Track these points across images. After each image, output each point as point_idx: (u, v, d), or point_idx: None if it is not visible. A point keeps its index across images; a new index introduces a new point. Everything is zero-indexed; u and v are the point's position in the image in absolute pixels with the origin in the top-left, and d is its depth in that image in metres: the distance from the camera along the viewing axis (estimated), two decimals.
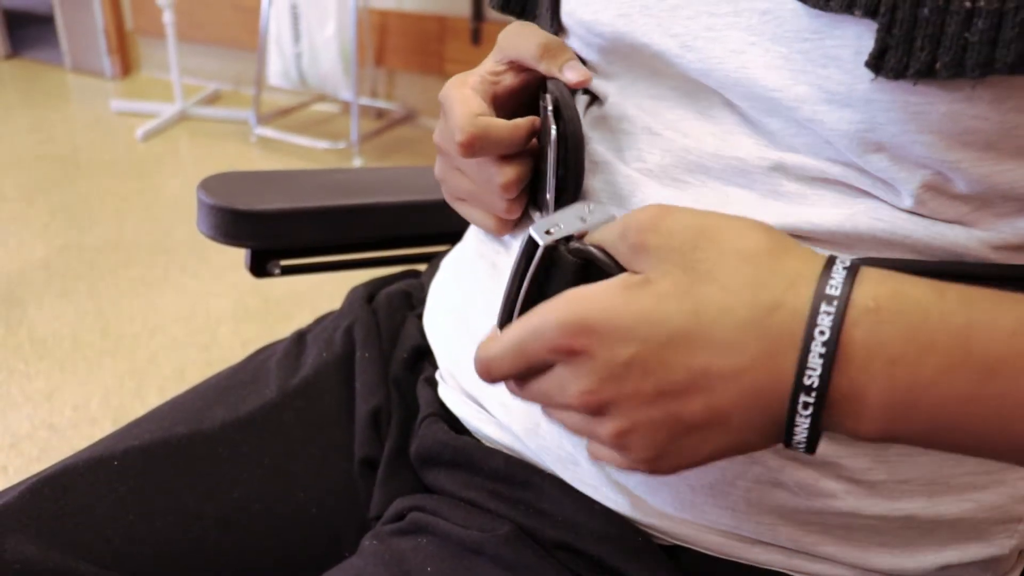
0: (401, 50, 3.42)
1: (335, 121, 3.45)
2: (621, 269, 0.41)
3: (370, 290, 0.73)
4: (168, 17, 3.21)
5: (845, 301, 0.35)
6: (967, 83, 0.38)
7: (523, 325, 0.40)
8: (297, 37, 3.04)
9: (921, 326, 0.35)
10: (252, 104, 3.22)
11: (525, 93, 0.55)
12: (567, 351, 0.38)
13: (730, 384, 0.36)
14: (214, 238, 0.76)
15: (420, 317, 0.69)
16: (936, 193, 0.42)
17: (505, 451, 0.55)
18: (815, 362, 0.35)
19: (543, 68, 0.52)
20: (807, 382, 0.35)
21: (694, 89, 0.48)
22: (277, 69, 3.11)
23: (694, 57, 0.47)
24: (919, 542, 0.48)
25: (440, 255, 0.81)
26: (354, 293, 0.72)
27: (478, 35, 3.25)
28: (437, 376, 0.62)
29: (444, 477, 0.57)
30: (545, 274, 0.43)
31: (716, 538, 0.49)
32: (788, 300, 0.36)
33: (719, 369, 0.36)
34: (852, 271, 0.36)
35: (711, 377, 0.36)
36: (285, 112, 3.43)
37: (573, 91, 0.53)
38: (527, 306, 0.43)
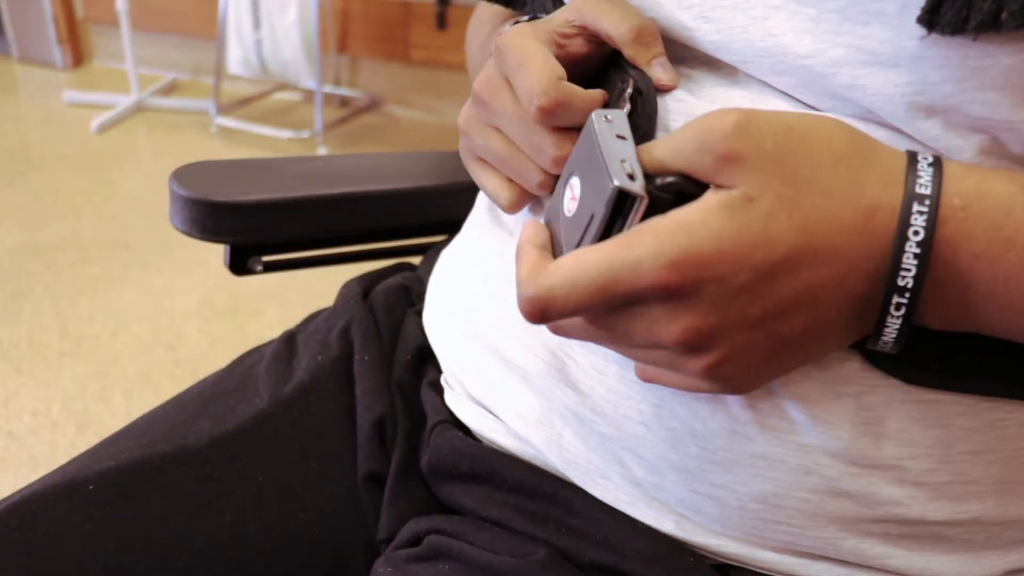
0: (364, 36, 3.36)
1: (298, 110, 3.37)
2: (705, 187, 0.36)
3: (364, 285, 0.67)
4: (121, 4, 3.10)
5: (936, 200, 0.34)
6: None
7: (609, 257, 0.35)
8: (257, 24, 2.95)
9: (1003, 222, 0.35)
10: (212, 94, 3.13)
11: (587, 63, 0.48)
12: (673, 288, 0.34)
13: (832, 294, 0.35)
14: (190, 233, 0.69)
15: (420, 314, 0.63)
16: (988, 156, 0.38)
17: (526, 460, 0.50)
18: (910, 262, 0.34)
19: (629, 53, 0.45)
20: (901, 283, 0.34)
21: (706, 68, 0.45)
22: (237, 57, 3.02)
23: (711, 28, 0.43)
24: (985, 545, 0.44)
25: (436, 247, 0.76)
26: (348, 289, 0.66)
27: (443, 19, 3.19)
28: (442, 381, 0.57)
29: (461, 492, 0.51)
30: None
31: (771, 555, 0.44)
32: (885, 200, 0.35)
33: (824, 281, 0.35)
34: (937, 167, 0.35)
35: (815, 290, 0.35)
36: (246, 101, 3.34)
37: None
38: None
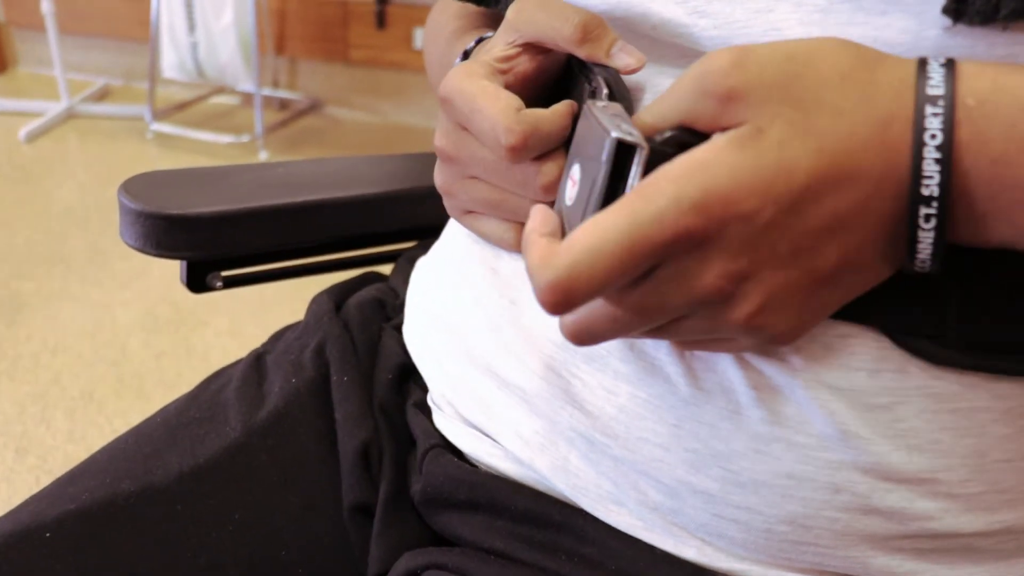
0: (302, 37, 3.30)
1: (236, 114, 3.29)
2: (706, 138, 0.34)
3: (335, 299, 0.63)
4: (47, 7, 2.99)
5: (951, 100, 0.32)
6: None
7: (629, 215, 0.32)
8: (192, 26, 2.88)
9: (1019, 119, 0.32)
10: (146, 99, 3.03)
11: (542, 76, 0.45)
12: (697, 234, 0.32)
13: (860, 217, 0.33)
14: (143, 250, 0.65)
15: (398, 329, 0.59)
16: None
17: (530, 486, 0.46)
18: (931, 169, 0.32)
19: (584, 53, 0.42)
20: (925, 192, 0.32)
21: None
22: (172, 61, 2.94)
23: (709, 24, 0.40)
24: (1015, 554, 0.42)
25: (406, 254, 0.72)
26: (318, 305, 0.62)
27: (383, 19, 3.15)
28: (429, 402, 0.53)
29: (459, 522, 0.48)
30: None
31: None
32: (898, 110, 0.32)
33: (849, 205, 0.33)
34: (950, 67, 0.32)
35: (842, 215, 0.33)
36: (182, 106, 3.25)
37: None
38: None
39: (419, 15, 3.09)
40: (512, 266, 0.48)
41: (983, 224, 0.33)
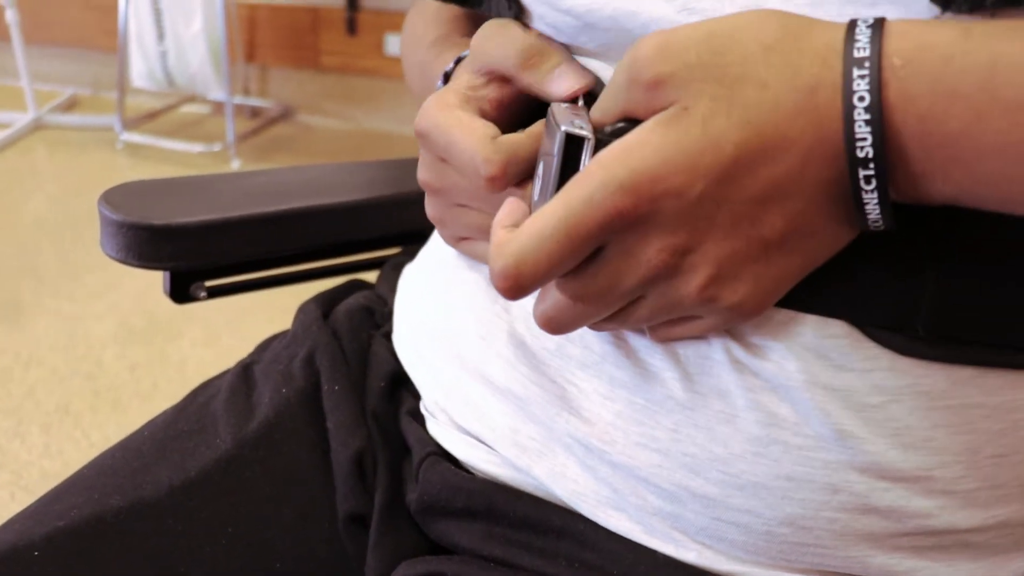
0: (273, 44, 3.28)
1: (207, 123, 3.26)
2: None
3: (323, 307, 0.62)
4: (11, 17, 2.95)
5: (878, 61, 0.32)
6: None
7: (561, 202, 0.34)
8: (161, 35, 2.85)
9: (943, 74, 0.31)
10: (116, 109, 3.00)
11: (520, 100, 0.45)
12: (629, 213, 0.33)
13: (798, 185, 0.33)
14: (125, 261, 0.64)
15: (388, 336, 0.59)
16: None
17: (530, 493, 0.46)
18: (863, 131, 0.32)
19: (526, 82, 0.43)
20: (860, 154, 0.32)
21: None
22: (141, 70, 2.91)
23: (698, 19, 0.39)
24: (1010, 549, 0.42)
25: (391, 261, 0.72)
26: (306, 314, 0.61)
27: (354, 25, 3.14)
28: (423, 409, 0.53)
29: (457, 530, 0.47)
30: None
31: None
32: (825, 76, 0.32)
33: (784, 171, 0.33)
34: (877, 28, 0.32)
35: (778, 182, 0.33)
36: (152, 116, 3.21)
37: None
38: None
39: (390, 21, 3.08)
40: None
41: (923, 181, 0.33)
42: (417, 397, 0.54)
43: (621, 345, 0.43)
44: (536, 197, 0.40)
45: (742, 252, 0.35)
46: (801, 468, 0.39)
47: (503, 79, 0.45)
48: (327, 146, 3.14)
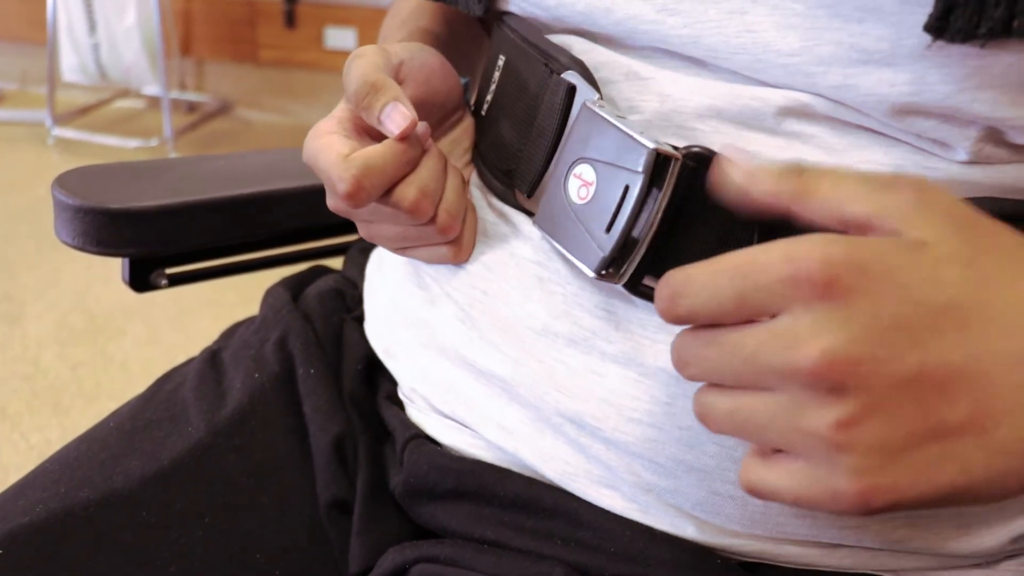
0: (209, 38, 3.21)
1: (142, 117, 3.18)
2: None
3: (291, 291, 0.60)
4: None
5: None
6: None
7: (757, 249, 0.30)
8: (92, 27, 2.77)
9: None
10: (46, 103, 2.90)
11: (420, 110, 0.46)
12: (824, 285, 0.28)
13: (1006, 377, 0.29)
14: (82, 247, 0.61)
15: (360, 320, 0.57)
16: (993, 143, 0.37)
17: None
18: None
19: (364, 117, 0.44)
20: None
21: (668, 59, 0.41)
22: (72, 63, 2.83)
23: (678, 22, 0.39)
24: (993, 517, 0.43)
25: (357, 244, 0.70)
26: (275, 297, 0.59)
27: (292, 18, 3.09)
28: (400, 395, 0.52)
29: (444, 513, 0.46)
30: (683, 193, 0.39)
31: (794, 549, 0.42)
32: None
33: (997, 354, 0.29)
34: None
35: (985, 364, 0.29)
36: (85, 110, 3.11)
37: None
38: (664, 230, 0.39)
39: (329, 14, 3.04)
40: (481, 258, 0.47)
41: None
42: (394, 381, 0.53)
43: (611, 319, 0.42)
44: (580, 201, 0.41)
45: (907, 415, 0.29)
46: None
47: (424, 81, 0.47)
48: (266, 140, 3.09)
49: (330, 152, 0.42)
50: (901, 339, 0.29)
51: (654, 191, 0.38)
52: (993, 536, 0.43)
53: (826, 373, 0.28)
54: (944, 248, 0.30)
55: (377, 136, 0.44)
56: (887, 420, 0.29)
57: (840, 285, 0.28)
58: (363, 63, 0.44)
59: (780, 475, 0.31)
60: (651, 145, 0.37)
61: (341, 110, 0.46)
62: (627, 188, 0.38)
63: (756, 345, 0.30)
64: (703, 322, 0.31)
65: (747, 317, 0.30)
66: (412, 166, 0.44)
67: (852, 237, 0.30)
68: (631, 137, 0.38)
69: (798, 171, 0.31)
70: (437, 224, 0.45)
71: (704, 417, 0.33)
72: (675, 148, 0.38)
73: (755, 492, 0.32)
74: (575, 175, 0.41)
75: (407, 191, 0.43)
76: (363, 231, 0.49)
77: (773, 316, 0.30)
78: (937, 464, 0.29)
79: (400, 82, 0.45)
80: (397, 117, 0.42)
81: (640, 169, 0.38)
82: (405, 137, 0.42)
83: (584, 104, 0.41)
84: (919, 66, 0.35)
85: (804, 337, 0.28)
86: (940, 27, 0.33)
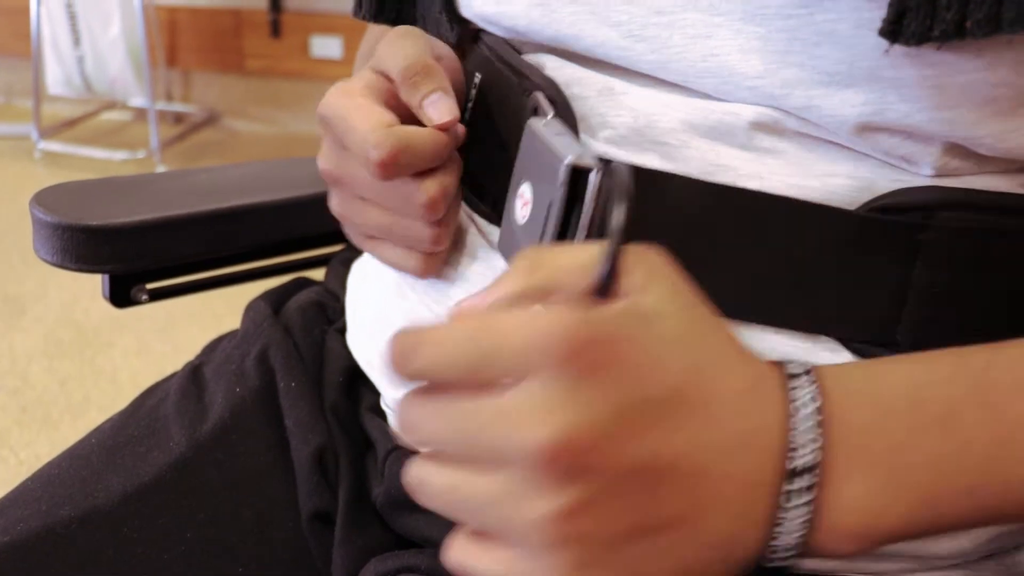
0: (195, 48, 3.21)
1: (129, 129, 3.18)
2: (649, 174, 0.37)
3: (272, 305, 0.60)
4: None
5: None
6: (990, 47, 0.33)
7: (504, 313, 0.28)
8: (77, 40, 2.77)
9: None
10: (32, 117, 2.89)
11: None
12: (566, 360, 0.26)
13: (717, 467, 0.29)
14: (62, 264, 0.61)
15: (341, 332, 0.58)
16: (960, 157, 0.38)
17: None
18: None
19: (404, 97, 0.43)
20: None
21: (641, 77, 0.42)
22: (57, 76, 2.83)
23: (646, 48, 0.40)
24: None
25: (338, 256, 0.70)
26: (256, 311, 0.60)
27: (278, 27, 3.09)
28: (383, 406, 0.52)
29: (426, 523, 0.46)
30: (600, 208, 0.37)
31: None
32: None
33: (711, 444, 0.29)
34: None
35: (701, 455, 0.29)
36: (71, 123, 3.11)
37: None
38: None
39: (315, 23, 3.04)
40: (460, 270, 0.47)
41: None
42: (376, 392, 0.53)
43: None
44: (522, 221, 0.40)
45: (630, 505, 0.28)
46: None
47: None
48: (254, 150, 3.09)
49: (369, 115, 0.42)
50: (636, 425, 0.27)
51: (577, 206, 0.37)
52: (972, 537, 0.43)
53: (552, 458, 0.26)
54: (670, 327, 0.29)
55: (404, 117, 0.43)
56: (609, 513, 0.27)
57: (584, 361, 0.27)
58: (415, 43, 0.44)
59: (488, 562, 0.29)
60: (568, 158, 0.36)
61: (372, 78, 0.45)
62: (551, 204, 0.37)
63: (485, 420, 0.27)
64: (437, 383, 0.29)
65: (482, 384, 0.28)
66: (441, 161, 0.43)
67: (599, 308, 0.28)
68: (552, 151, 0.37)
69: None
70: (433, 237, 0.44)
71: (416, 490, 0.30)
72: (601, 160, 0.37)
73: (458, 572, 0.30)
74: (519, 195, 0.41)
75: (431, 185, 0.42)
76: (342, 207, 0.47)
77: (512, 384, 0.27)
78: (653, 559, 0.28)
79: None
80: (443, 108, 0.42)
81: (559, 184, 0.37)
82: (445, 129, 0.42)
83: (528, 123, 0.40)
84: (877, 86, 0.36)
85: (537, 415, 0.26)
86: (894, 31, 0.33)
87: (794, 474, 0.30)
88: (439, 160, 0.43)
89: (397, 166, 0.40)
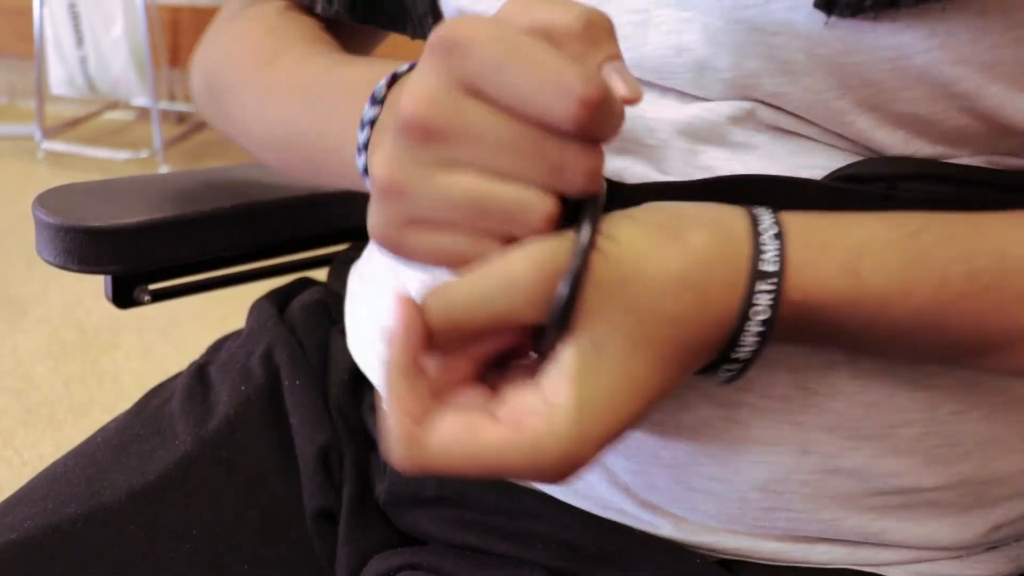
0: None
1: (132, 129, 3.18)
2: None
3: (277, 304, 0.61)
4: None
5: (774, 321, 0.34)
6: (939, 23, 0.34)
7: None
8: (80, 40, 2.77)
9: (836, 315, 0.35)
10: (35, 117, 2.90)
11: None
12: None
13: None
14: (64, 266, 0.61)
15: (344, 333, 0.58)
16: (930, 142, 0.38)
17: None
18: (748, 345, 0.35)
19: (575, 49, 0.32)
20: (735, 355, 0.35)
21: None
22: (60, 77, 2.83)
23: (623, 47, 0.39)
24: (972, 507, 0.44)
25: (340, 256, 0.71)
26: (260, 310, 0.60)
27: None
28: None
29: (427, 519, 0.47)
30: None
31: (772, 544, 0.43)
32: (727, 310, 0.34)
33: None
34: (778, 280, 0.34)
35: None
36: (74, 123, 3.12)
37: None
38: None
39: None
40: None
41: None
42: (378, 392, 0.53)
43: None
44: None
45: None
46: (770, 431, 0.40)
47: None
48: None
49: (559, 55, 0.31)
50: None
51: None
52: (971, 527, 0.43)
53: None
54: (617, 340, 0.33)
55: None
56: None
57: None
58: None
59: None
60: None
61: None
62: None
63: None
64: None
65: None
66: (615, 136, 0.34)
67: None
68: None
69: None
70: (546, 211, 0.33)
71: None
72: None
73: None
74: None
75: (600, 155, 0.33)
76: (415, 167, 0.33)
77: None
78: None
79: None
80: (631, 80, 0.32)
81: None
82: (630, 102, 0.32)
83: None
84: (837, 72, 0.36)
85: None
86: (828, 3, 0.34)
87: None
88: (617, 132, 0.33)
89: (600, 112, 0.30)
